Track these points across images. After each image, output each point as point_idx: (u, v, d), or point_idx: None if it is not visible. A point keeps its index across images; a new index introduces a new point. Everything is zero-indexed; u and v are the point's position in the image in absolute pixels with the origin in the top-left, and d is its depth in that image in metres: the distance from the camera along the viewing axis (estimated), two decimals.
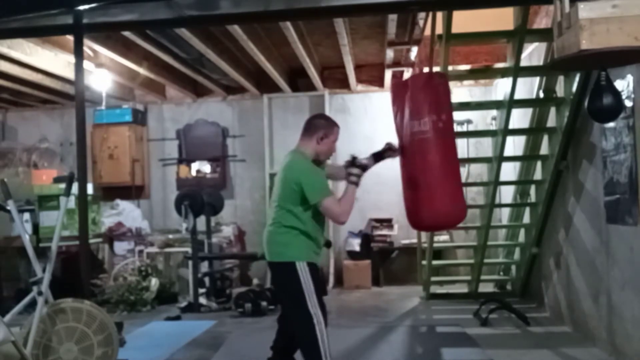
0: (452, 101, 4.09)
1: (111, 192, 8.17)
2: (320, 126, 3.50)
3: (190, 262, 6.61)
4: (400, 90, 3.99)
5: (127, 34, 5.46)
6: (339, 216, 3.37)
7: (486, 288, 6.78)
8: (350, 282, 7.74)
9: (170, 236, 7.39)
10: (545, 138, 5.54)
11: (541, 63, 5.41)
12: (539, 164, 5.75)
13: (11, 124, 8.83)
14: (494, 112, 6.86)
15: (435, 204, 3.73)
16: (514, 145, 6.42)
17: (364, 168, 3.50)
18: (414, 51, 6.43)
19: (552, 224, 5.60)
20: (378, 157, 3.74)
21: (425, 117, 3.71)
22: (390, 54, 6.73)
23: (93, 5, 3.98)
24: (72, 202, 5.21)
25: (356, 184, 3.43)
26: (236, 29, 5.30)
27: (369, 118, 8.17)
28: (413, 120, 3.74)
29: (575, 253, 4.96)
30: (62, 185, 4.21)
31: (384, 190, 7.88)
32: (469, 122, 7.87)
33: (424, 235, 6.80)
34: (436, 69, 5.14)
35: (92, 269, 6.10)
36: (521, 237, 6.37)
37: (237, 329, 5.55)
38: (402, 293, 7.23)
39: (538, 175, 5.79)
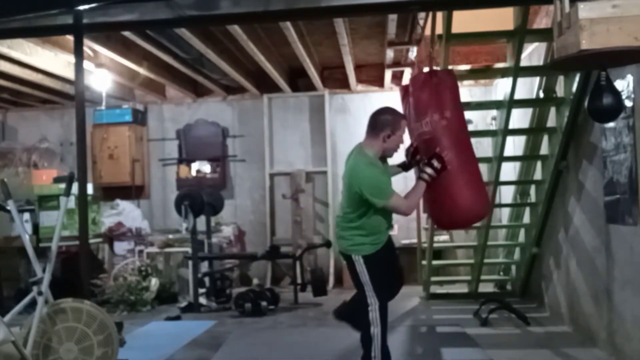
0: None
1: (111, 192, 8.17)
2: (387, 123, 3.50)
3: (190, 262, 6.61)
4: (404, 95, 3.98)
5: (127, 34, 5.46)
6: (405, 211, 3.52)
7: (486, 288, 6.77)
8: (350, 282, 7.67)
9: (170, 236, 7.39)
10: (545, 138, 5.53)
11: (541, 63, 5.41)
12: (539, 164, 5.75)
13: (11, 124, 8.83)
14: (494, 112, 6.85)
15: (453, 201, 3.67)
16: (514, 145, 6.42)
17: (437, 170, 3.54)
18: (414, 51, 6.43)
19: (552, 224, 5.60)
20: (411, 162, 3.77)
21: (427, 117, 3.69)
22: (390, 54, 6.73)
23: (93, 5, 3.98)
24: (72, 202, 5.21)
25: (427, 181, 3.51)
26: (236, 29, 5.30)
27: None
28: (417, 122, 3.73)
29: (575, 253, 4.96)
30: (62, 185, 4.21)
31: None
32: (469, 122, 7.79)
33: (424, 235, 6.80)
34: (436, 69, 5.13)
35: (92, 269, 6.10)
36: (521, 237, 6.37)
37: (237, 329, 5.55)
38: (402, 293, 7.10)
39: (538, 175, 5.79)
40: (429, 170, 3.51)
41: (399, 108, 4.00)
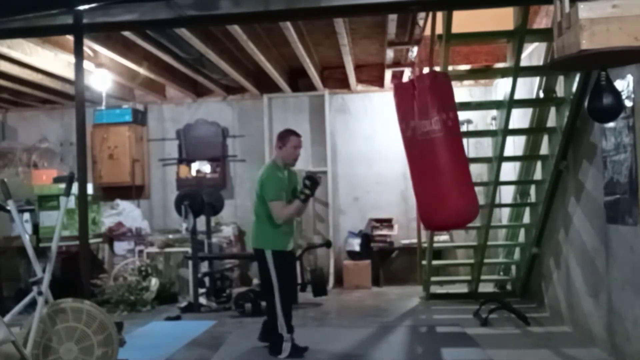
0: None
1: (111, 192, 8.17)
2: (279, 138, 4.55)
3: (190, 262, 6.61)
4: (405, 92, 3.99)
5: (127, 34, 5.46)
6: (276, 217, 4.33)
7: (486, 288, 6.78)
8: (350, 282, 7.74)
9: (170, 236, 7.39)
10: (545, 138, 5.54)
11: (541, 63, 5.40)
12: (539, 164, 5.75)
13: (11, 124, 8.83)
14: (494, 112, 6.85)
15: (449, 202, 3.74)
16: (514, 145, 6.42)
17: (312, 189, 4.37)
18: (414, 51, 6.43)
19: (552, 224, 5.60)
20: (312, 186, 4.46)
21: (436, 116, 3.73)
22: (390, 54, 6.73)
23: (93, 5, 3.99)
24: (72, 202, 5.20)
25: (303, 200, 4.38)
26: (236, 29, 5.30)
27: (369, 118, 8.17)
28: (423, 120, 3.76)
29: (575, 253, 4.96)
30: (62, 185, 4.21)
31: (384, 190, 7.89)
32: (469, 122, 7.86)
33: (424, 235, 6.80)
34: (436, 69, 5.14)
35: (92, 269, 6.09)
36: (521, 237, 6.37)
37: (237, 329, 5.55)
38: (402, 293, 7.24)
39: (538, 175, 5.79)
40: (306, 191, 4.35)
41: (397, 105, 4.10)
